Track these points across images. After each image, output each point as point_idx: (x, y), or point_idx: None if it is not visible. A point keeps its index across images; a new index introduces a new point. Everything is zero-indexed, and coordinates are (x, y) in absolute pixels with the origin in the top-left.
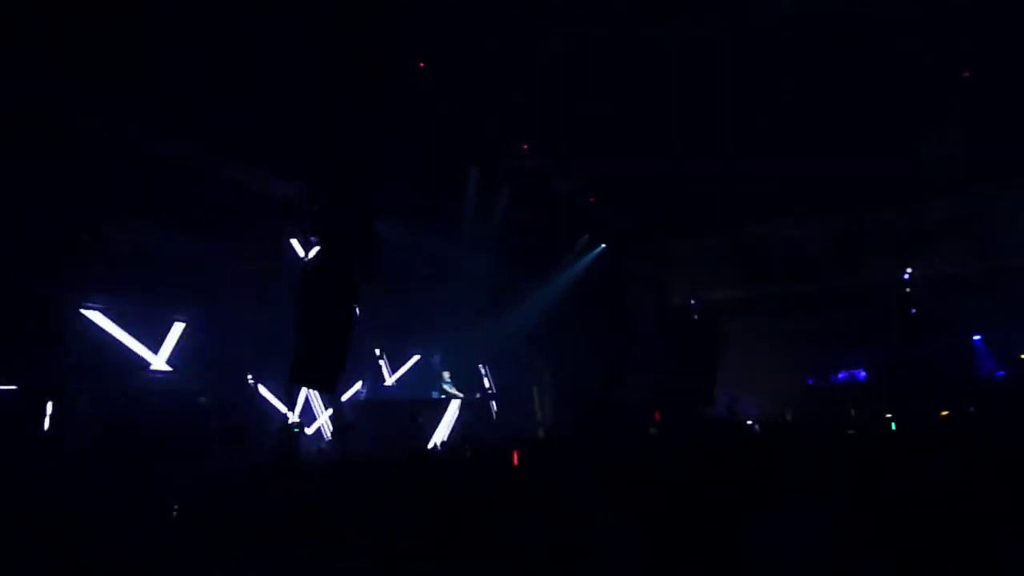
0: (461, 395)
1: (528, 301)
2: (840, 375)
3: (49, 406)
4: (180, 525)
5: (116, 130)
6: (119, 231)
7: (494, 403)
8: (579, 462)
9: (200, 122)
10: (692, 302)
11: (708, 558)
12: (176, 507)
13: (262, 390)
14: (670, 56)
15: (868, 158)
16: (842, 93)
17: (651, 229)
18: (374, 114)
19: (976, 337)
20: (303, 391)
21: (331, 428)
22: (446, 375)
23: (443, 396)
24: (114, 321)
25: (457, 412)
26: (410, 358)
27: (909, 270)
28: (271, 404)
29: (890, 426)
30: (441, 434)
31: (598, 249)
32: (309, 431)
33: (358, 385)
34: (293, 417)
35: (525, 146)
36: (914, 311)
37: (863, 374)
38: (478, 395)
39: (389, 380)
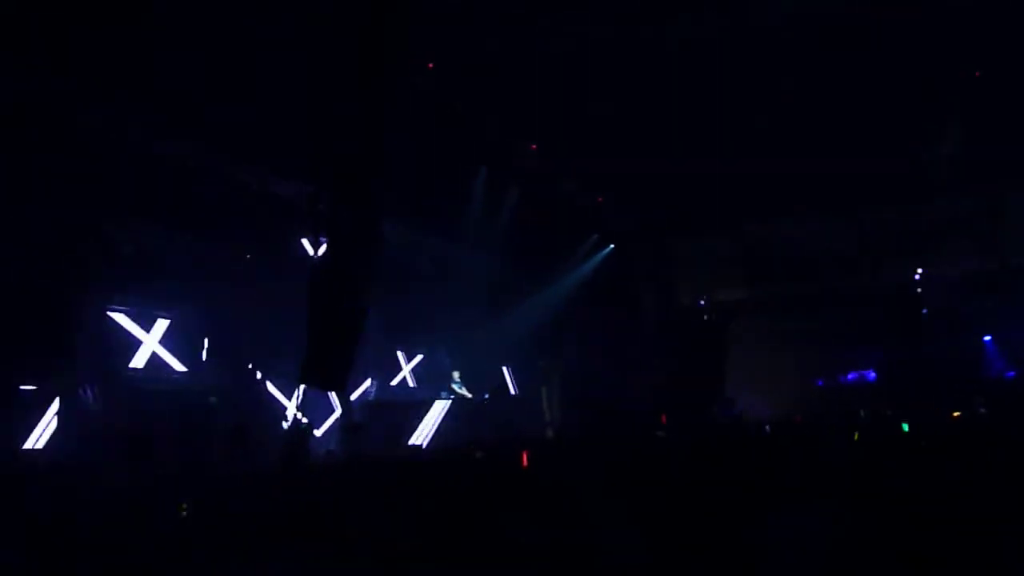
0: (470, 395)
1: (535, 301)
2: (850, 376)
3: (56, 404)
4: (187, 526)
5: (117, 130)
6: (122, 231)
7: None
8: (587, 463)
9: (204, 123)
10: (701, 303)
11: (716, 559)
12: (184, 507)
13: (271, 387)
14: (675, 57)
15: (877, 158)
16: (850, 93)
17: (659, 230)
18: (379, 114)
19: (986, 338)
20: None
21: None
22: (456, 375)
23: (452, 396)
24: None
25: (441, 414)
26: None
27: (920, 270)
28: (280, 403)
29: (902, 428)
30: (423, 435)
31: (606, 250)
32: (318, 432)
33: (367, 383)
34: (296, 414)
35: (533, 146)
36: (924, 312)
37: (873, 375)
38: (487, 396)
39: (411, 381)
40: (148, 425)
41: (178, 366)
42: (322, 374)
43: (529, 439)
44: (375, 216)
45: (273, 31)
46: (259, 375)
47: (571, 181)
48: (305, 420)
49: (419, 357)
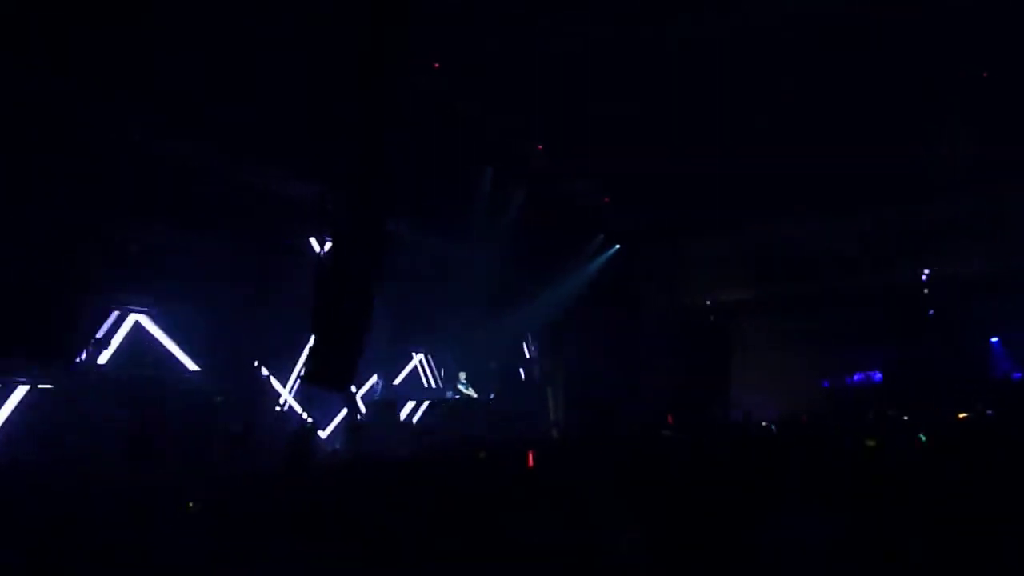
0: (476, 395)
1: (540, 301)
2: (856, 377)
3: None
4: (192, 525)
5: (117, 130)
6: (123, 231)
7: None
8: (592, 463)
9: (206, 123)
10: (707, 303)
11: (722, 560)
12: (190, 505)
13: (275, 384)
14: (678, 57)
15: (882, 158)
16: (857, 92)
17: (665, 231)
18: (382, 113)
19: (993, 339)
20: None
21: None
22: (462, 375)
23: (458, 396)
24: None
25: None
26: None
27: (926, 271)
28: (286, 402)
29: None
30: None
31: (612, 250)
32: (324, 433)
33: (373, 379)
34: (301, 413)
35: (540, 146)
36: (931, 312)
37: (879, 376)
38: (492, 396)
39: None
40: (151, 424)
41: (192, 365)
42: (327, 374)
43: (534, 439)
44: (380, 216)
45: (274, 31)
46: (264, 373)
47: (577, 181)
48: (310, 420)
49: (419, 356)
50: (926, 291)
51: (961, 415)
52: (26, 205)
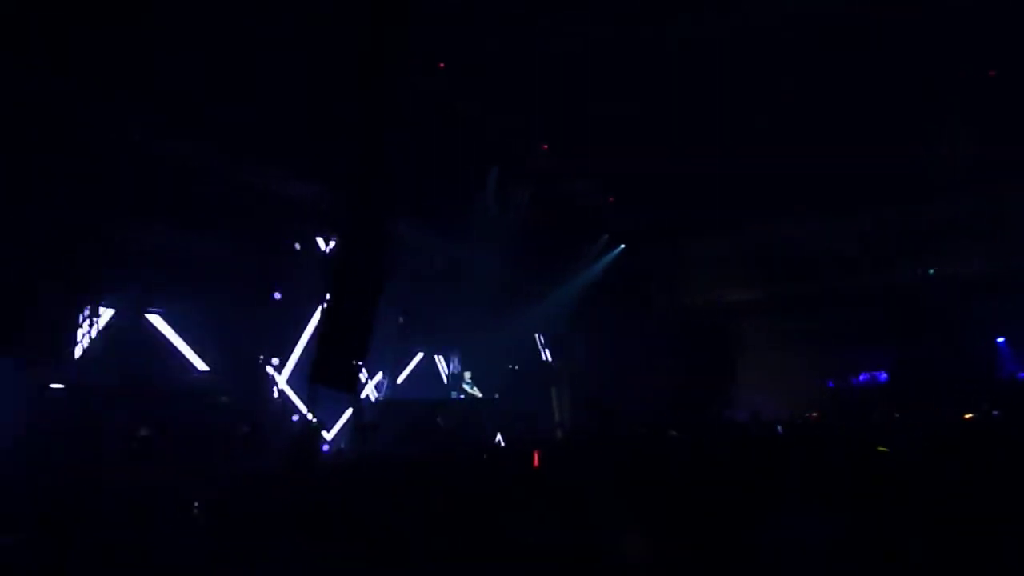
0: (481, 395)
1: (544, 302)
2: (861, 377)
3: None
4: (198, 525)
5: (117, 130)
6: (123, 231)
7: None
8: (597, 463)
9: (208, 123)
10: (709, 303)
11: (729, 560)
12: (196, 505)
13: (281, 383)
14: (681, 57)
15: (884, 158)
16: (857, 92)
17: (666, 230)
18: (386, 114)
19: (1000, 339)
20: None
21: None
22: (467, 375)
23: (463, 396)
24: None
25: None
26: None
27: (932, 271)
28: (292, 402)
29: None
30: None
31: (617, 250)
32: (329, 435)
33: (379, 376)
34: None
35: (545, 146)
36: (936, 313)
37: (884, 376)
38: (497, 396)
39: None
40: (156, 424)
41: (201, 365)
42: (332, 373)
43: (539, 439)
44: (384, 216)
45: (275, 31)
46: (269, 373)
47: (580, 182)
48: (314, 420)
49: (419, 356)
50: (931, 291)
51: (967, 416)
52: (26, 205)
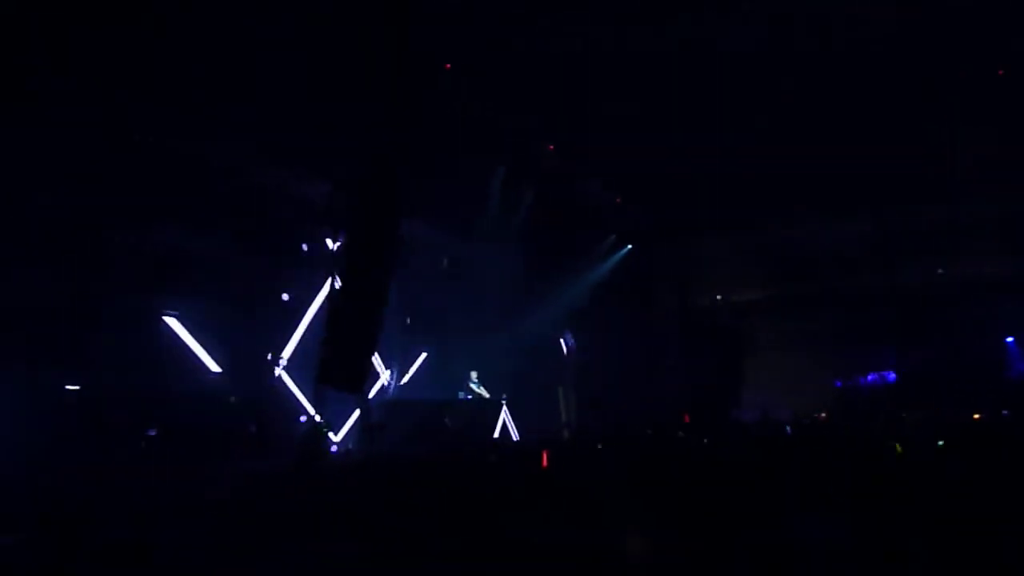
0: (488, 395)
1: (553, 302)
2: (870, 377)
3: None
4: (205, 524)
5: (118, 129)
6: (129, 232)
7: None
8: (605, 464)
9: (224, 122)
10: (719, 303)
11: (736, 561)
12: (203, 504)
13: (288, 384)
14: (685, 57)
15: (899, 158)
16: (872, 91)
17: (676, 230)
18: (395, 114)
19: (1009, 339)
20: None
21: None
22: (473, 375)
23: (470, 396)
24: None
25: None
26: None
27: (940, 271)
28: (299, 402)
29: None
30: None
31: (624, 250)
32: (337, 437)
33: (387, 374)
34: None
35: (551, 146)
36: (945, 313)
37: (893, 376)
38: (504, 396)
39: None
40: (166, 425)
41: (214, 367)
42: (340, 374)
43: (546, 439)
44: (392, 216)
45: (280, 31)
46: (276, 374)
47: (587, 181)
48: (321, 420)
49: (423, 355)
50: (940, 291)
51: (976, 416)
52: (26, 205)
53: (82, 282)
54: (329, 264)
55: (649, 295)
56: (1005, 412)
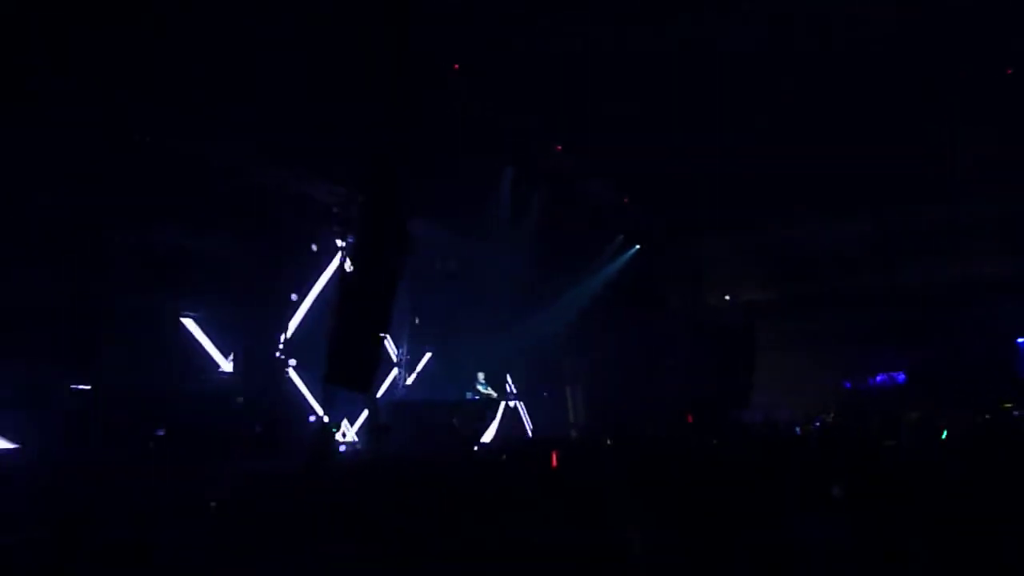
0: (495, 395)
1: (561, 302)
2: (879, 378)
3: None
4: (212, 524)
5: (119, 129)
6: (133, 233)
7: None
8: (613, 464)
9: (225, 123)
10: (728, 303)
11: (737, 560)
12: (212, 505)
13: (297, 384)
14: (691, 57)
15: (899, 158)
16: (872, 92)
17: (684, 231)
18: (401, 115)
19: (1019, 340)
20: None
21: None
22: (481, 376)
23: (477, 397)
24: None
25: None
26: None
27: (950, 271)
28: (308, 402)
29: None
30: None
31: (632, 250)
32: (346, 437)
33: (395, 372)
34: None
35: (559, 147)
36: (956, 313)
37: (902, 376)
38: (515, 392)
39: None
40: (173, 425)
41: (227, 367)
42: (348, 374)
43: (554, 439)
44: (400, 217)
45: (280, 31)
46: (288, 369)
47: (595, 181)
48: (328, 419)
49: (428, 355)
50: (949, 291)
51: (987, 415)
52: (27, 205)
53: (83, 282)
54: (338, 264)
55: (657, 295)
56: (1016, 412)
